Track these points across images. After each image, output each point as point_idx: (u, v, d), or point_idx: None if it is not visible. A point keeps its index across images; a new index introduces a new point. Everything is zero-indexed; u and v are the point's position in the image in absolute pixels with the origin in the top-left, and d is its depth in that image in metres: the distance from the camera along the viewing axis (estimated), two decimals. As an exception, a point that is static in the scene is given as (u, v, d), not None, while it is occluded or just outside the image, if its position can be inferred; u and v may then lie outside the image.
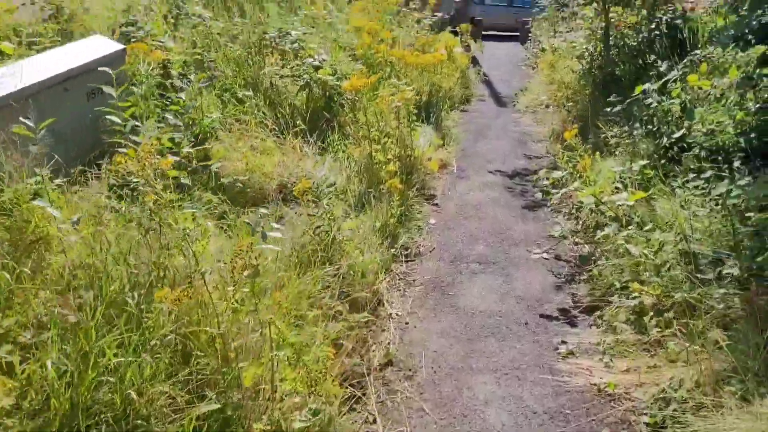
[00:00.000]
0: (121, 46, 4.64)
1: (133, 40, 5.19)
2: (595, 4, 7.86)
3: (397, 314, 3.75)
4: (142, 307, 2.30)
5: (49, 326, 2.19)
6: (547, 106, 9.01)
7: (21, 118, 2.95)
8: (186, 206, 3.04)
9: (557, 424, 2.81)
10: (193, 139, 4.54)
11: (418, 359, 3.30)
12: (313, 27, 8.24)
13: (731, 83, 4.68)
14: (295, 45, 6.70)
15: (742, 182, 3.53)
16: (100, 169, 3.76)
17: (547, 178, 5.33)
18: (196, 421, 2.13)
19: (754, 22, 4.22)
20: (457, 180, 6.25)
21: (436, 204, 5.58)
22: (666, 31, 6.73)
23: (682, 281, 3.33)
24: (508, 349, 3.42)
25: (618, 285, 3.73)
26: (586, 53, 8.23)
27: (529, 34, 13.95)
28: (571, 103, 8.10)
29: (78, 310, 2.24)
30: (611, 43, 7.59)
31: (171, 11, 6.50)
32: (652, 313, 3.28)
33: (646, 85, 5.18)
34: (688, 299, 3.14)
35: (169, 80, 4.75)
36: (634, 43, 7.27)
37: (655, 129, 5.10)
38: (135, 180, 2.63)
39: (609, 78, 7.29)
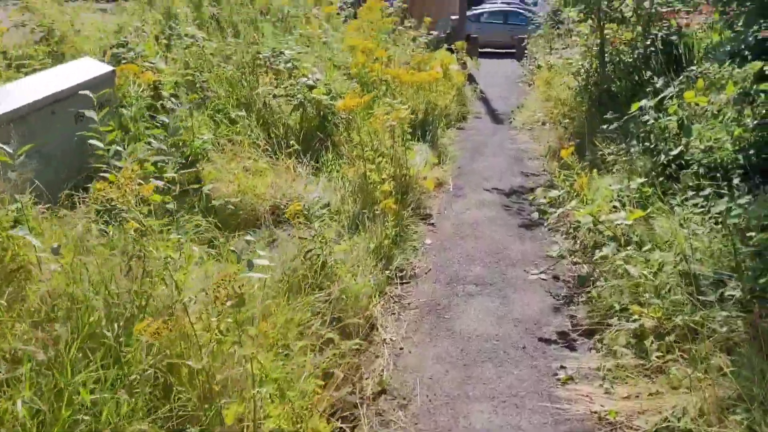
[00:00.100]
0: (110, 68, 4.59)
1: (123, 61, 5.14)
2: (590, 21, 7.85)
3: (391, 339, 3.65)
4: (121, 339, 2.20)
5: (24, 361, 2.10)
6: (544, 123, 8.97)
7: (0, 144, 2.88)
8: (172, 231, 2.95)
9: (557, 456, 2.71)
10: (183, 161, 4.46)
11: (412, 387, 3.20)
12: (308, 46, 8.23)
13: (728, 99, 4.62)
14: (289, 64, 6.67)
15: (742, 200, 3.45)
16: (87, 193, 3.69)
17: (544, 197, 5.26)
18: (176, 460, 2.03)
19: (751, 38, 4.17)
20: (454, 199, 6.18)
21: (432, 223, 5.50)
22: (661, 48, 6.71)
23: (683, 303, 3.23)
24: (505, 374, 3.32)
25: (617, 307, 3.63)
26: (582, 70, 8.20)
27: (526, 51, 13.99)
28: (567, 120, 8.06)
29: (54, 344, 2.15)
30: (607, 59, 7.57)
31: (163, 32, 6.47)
32: (652, 337, 3.18)
33: (643, 102, 5.12)
34: (690, 323, 3.05)
35: (160, 101, 4.69)
36: (630, 60, 7.23)
37: (652, 146, 5.04)
38: (117, 206, 2.54)
39: (605, 94, 7.25)
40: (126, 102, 4.60)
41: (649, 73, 6.52)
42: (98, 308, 2.32)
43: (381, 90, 7.57)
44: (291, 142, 5.74)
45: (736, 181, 3.93)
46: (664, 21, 7.10)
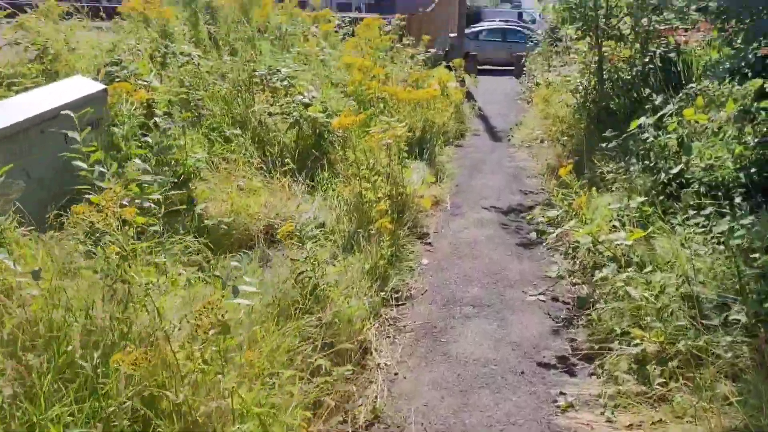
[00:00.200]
0: (101, 86, 4.53)
1: (116, 79, 5.08)
2: (588, 38, 7.82)
3: (385, 364, 3.54)
4: (99, 370, 2.10)
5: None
6: (542, 141, 8.91)
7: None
8: (158, 254, 2.86)
9: (556, 489, 2.59)
10: (175, 180, 4.38)
11: (406, 414, 3.09)
12: (305, 64, 8.19)
13: (729, 117, 4.56)
14: (286, 82, 6.62)
15: (745, 221, 3.37)
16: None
17: (543, 217, 5.17)
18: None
19: (751, 55, 4.11)
20: (451, 217, 6.10)
21: (429, 243, 5.41)
22: (660, 65, 6.67)
23: (686, 327, 3.13)
24: (503, 401, 3.21)
25: (618, 330, 3.52)
26: (580, 87, 8.17)
27: (524, 69, 14.01)
28: (566, 138, 8.00)
29: (29, 375, 2.05)
30: (605, 76, 7.53)
31: (158, 50, 6.43)
32: (655, 363, 3.08)
33: (642, 120, 5.05)
34: (693, 348, 2.95)
35: (153, 120, 4.62)
36: (628, 77, 7.20)
37: (652, 164, 4.96)
38: (100, 229, 2.46)
39: (604, 112, 7.21)
40: (118, 120, 4.54)
41: (647, 91, 6.47)
42: (75, 336, 2.22)
43: (378, 108, 7.51)
44: (286, 161, 5.66)
45: (737, 200, 3.85)
46: (662, 38, 7.07)
